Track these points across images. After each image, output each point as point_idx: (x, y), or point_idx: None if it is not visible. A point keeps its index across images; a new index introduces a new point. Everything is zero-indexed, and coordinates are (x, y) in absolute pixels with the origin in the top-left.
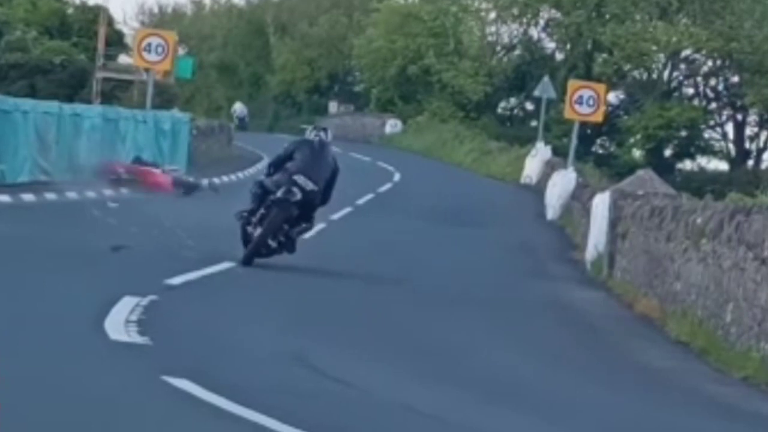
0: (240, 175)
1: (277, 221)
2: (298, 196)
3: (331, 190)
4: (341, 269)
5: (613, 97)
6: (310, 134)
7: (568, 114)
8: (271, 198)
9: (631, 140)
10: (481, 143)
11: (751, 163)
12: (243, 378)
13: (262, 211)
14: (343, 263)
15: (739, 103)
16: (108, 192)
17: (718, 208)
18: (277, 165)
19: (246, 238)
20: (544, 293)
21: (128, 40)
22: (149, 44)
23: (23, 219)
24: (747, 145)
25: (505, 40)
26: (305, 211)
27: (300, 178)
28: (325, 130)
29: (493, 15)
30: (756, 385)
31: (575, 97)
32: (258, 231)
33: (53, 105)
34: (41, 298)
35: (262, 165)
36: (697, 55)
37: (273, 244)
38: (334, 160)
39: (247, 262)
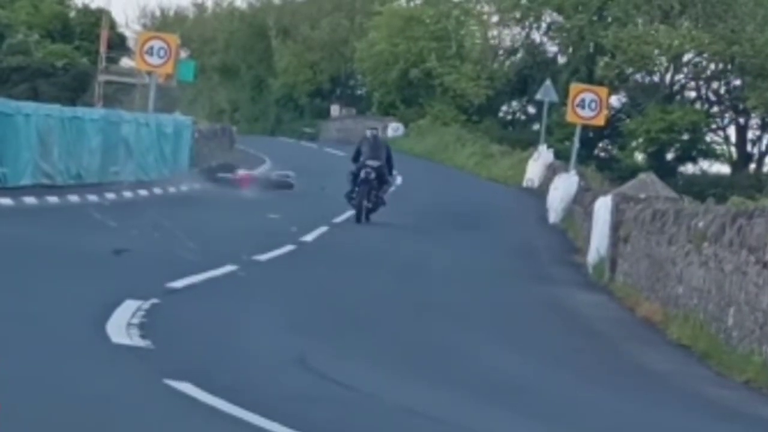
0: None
1: (364, 191)
2: (372, 174)
3: (392, 161)
4: (343, 272)
5: (615, 100)
6: (367, 133)
7: (570, 117)
8: (358, 180)
9: (633, 144)
10: (483, 147)
11: (753, 166)
12: (245, 381)
13: (356, 188)
14: (345, 266)
15: (741, 106)
16: (110, 195)
17: (720, 211)
18: (355, 158)
19: (356, 208)
20: (545, 296)
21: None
22: (151, 47)
23: (25, 222)
24: (749, 148)
25: (507, 43)
26: (381, 178)
27: (369, 161)
28: (375, 129)
29: (495, 18)
30: (757, 388)
31: (577, 100)
32: (355, 200)
33: (55, 108)
34: (43, 301)
35: (266, 167)
36: (699, 59)
37: (369, 205)
38: (386, 144)
39: (358, 220)
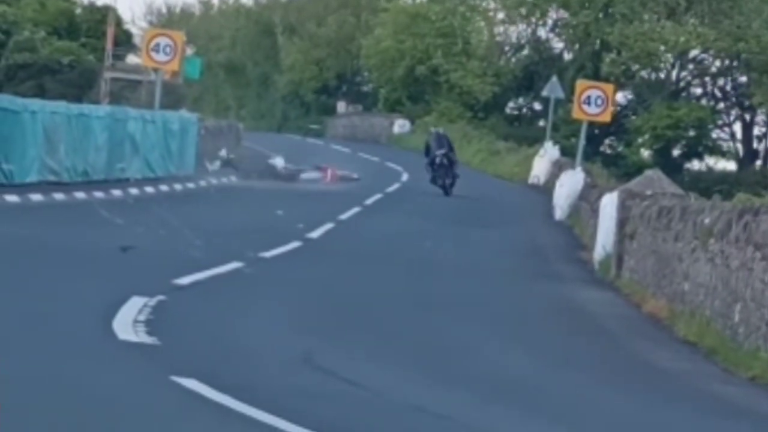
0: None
1: (441, 173)
2: (443, 159)
3: (454, 151)
4: (349, 269)
5: (621, 97)
6: (432, 131)
7: (576, 114)
8: (433, 166)
9: (639, 140)
10: (489, 143)
11: (759, 163)
12: (251, 378)
13: (433, 173)
14: (351, 263)
15: (747, 103)
16: (117, 192)
17: (726, 208)
18: (426, 152)
19: (441, 187)
20: (551, 293)
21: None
22: (157, 44)
23: (32, 219)
24: (755, 145)
25: (513, 40)
26: (450, 161)
27: (437, 151)
28: (439, 129)
29: (501, 15)
30: (764, 385)
31: (583, 97)
32: (439, 182)
33: (61, 105)
34: (50, 297)
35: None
36: (705, 55)
37: (449, 181)
38: (446, 135)
39: (446, 194)
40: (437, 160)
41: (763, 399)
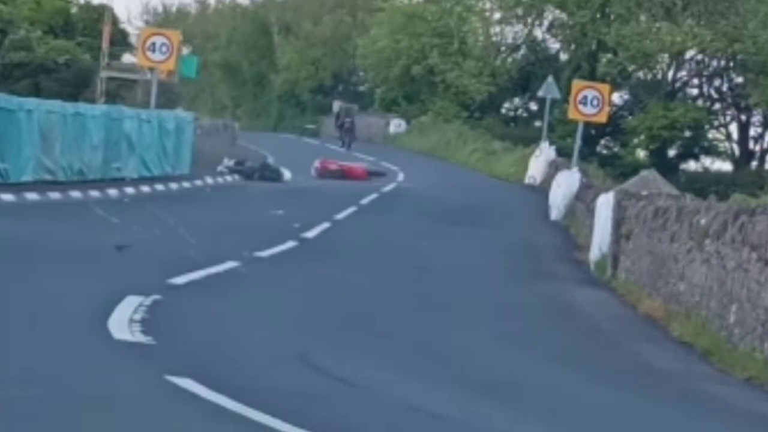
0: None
1: (345, 134)
2: (349, 125)
3: (354, 121)
4: (345, 269)
5: (617, 97)
6: (342, 106)
7: (572, 114)
8: (342, 130)
9: (635, 141)
10: (485, 143)
11: (755, 163)
12: (246, 377)
13: (341, 134)
14: (347, 263)
15: (743, 103)
16: (112, 191)
17: (721, 208)
18: (337, 119)
19: (344, 143)
20: (547, 293)
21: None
22: (153, 43)
23: (27, 218)
24: (751, 145)
25: (510, 40)
26: (352, 126)
27: (345, 119)
28: (347, 105)
29: (497, 15)
30: (759, 385)
31: (579, 97)
32: (345, 139)
33: (57, 104)
34: (45, 297)
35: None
36: (701, 56)
37: (347, 139)
38: (352, 110)
39: (347, 150)
40: (345, 125)
41: (758, 400)
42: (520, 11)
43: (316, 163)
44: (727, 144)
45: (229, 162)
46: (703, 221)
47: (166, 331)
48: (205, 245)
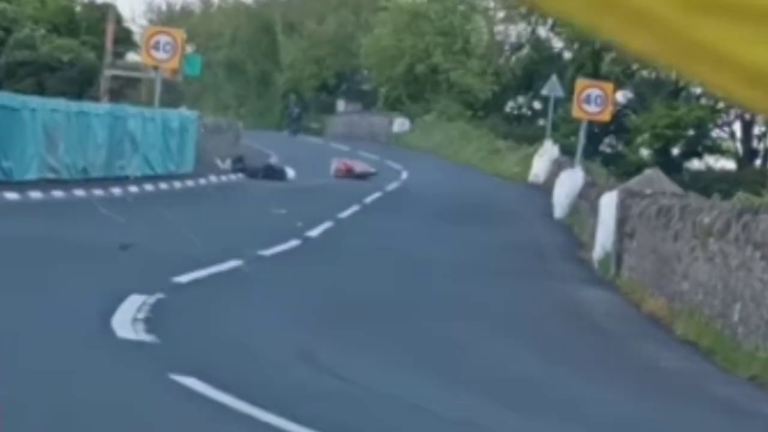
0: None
1: (294, 123)
2: (297, 116)
3: (302, 114)
4: (348, 267)
5: (620, 96)
6: (293, 98)
7: (575, 113)
8: (291, 118)
9: (639, 139)
10: (489, 142)
11: (758, 162)
12: (250, 376)
13: (290, 123)
14: (350, 261)
15: None
16: (116, 190)
17: (725, 207)
18: (289, 111)
19: (292, 130)
20: (551, 292)
21: (137, 37)
22: (157, 42)
23: (31, 216)
24: (755, 144)
25: (513, 39)
26: (300, 117)
27: (294, 109)
28: (296, 101)
29: (501, 14)
30: (763, 384)
31: (583, 96)
32: (293, 127)
33: (61, 103)
34: (49, 295)
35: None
36: None
37: (294, 128)
38: (303, 104)
39: (295, 136)
40: (293, 115)
41: (761, 398)
42: (523, 10)
43: (336, 164)
44: (730, 143)
45: (224, 165)
46: (706, 220)
47: (169, 330)
48: (209, 244)
